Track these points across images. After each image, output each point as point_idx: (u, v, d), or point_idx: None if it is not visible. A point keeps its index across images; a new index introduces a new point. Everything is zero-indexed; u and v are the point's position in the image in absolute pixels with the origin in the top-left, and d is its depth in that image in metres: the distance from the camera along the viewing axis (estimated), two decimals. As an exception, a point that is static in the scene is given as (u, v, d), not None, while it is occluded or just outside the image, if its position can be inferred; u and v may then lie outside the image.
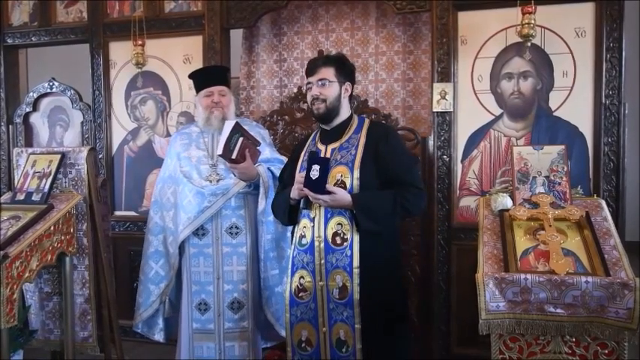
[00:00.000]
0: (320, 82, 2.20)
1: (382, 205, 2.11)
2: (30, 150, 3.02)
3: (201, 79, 2.75)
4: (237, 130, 2.36)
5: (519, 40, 2.88)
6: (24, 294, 2.92)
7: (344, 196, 2.09)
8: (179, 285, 2.73)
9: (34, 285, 2.92)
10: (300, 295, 2.22)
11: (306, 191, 2.10)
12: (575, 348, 1.90)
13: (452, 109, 3.08)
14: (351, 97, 2.32)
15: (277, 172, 2.63)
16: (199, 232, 2.62)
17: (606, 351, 1.88)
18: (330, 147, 2.25)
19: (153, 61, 3.59)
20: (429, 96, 3.17)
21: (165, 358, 3.10)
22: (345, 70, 2.27)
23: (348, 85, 2.26)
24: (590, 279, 1.85)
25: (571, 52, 2.93)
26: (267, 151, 2.66)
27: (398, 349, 2.18)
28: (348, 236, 2.13)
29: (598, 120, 2.89)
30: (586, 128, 2.92)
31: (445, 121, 3.09)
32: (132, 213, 3.74)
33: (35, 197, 2.75)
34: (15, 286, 2.40)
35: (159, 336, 2.78)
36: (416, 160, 2.34)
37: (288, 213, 2.27)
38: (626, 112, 2.88)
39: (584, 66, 2.91)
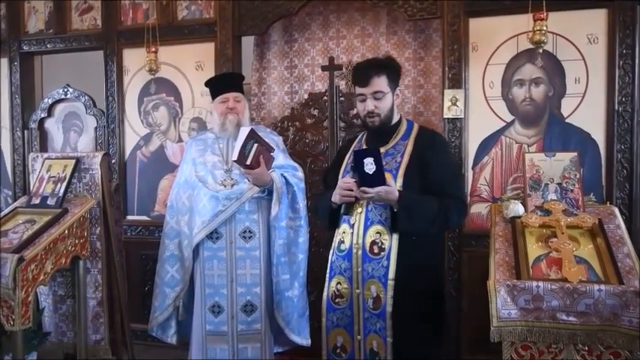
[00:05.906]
0: (375, 96, 2.13)
1: (426, 208, 2.06)
2: (45, 155, 3.07)
3: (217, 86, 2.79)
4: (252, 136, 2.39)
5: (531, 46, 2.87)
6: (38, 297, 2.96)
7: (393, 191, 2.03)
8: (192, 288, 2.75)
9: (48, 288, 2.96)
10: (336, 300, 2.20)
11: (357, 192, 2.03)
12: (588, 356, 1.88)
13: (463, 116, 3.08)
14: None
15: (290, 179, 2.66)
16: (213, 235, 2.64)
17: (619, 360, 1.86)
18: None
19: (165, 67, 3.63)
20: (439, 102, 3.16)
21: (176, 361, 3.12)
22: (395, 74, 2.19)
23: (398, 90, 2.20)
24: (603, 287, 1.84)
25: (583, 59, 2.92)
26: (280, 158, 2.68)
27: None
28: (386, 246, 2.09)
29: (611, 127, 2.87)
30: (599, 135, 2.91)
31: (456, 128, 3.09)
32: (144, 217, 3.77)
33: (50, 201, 2.79)
34: (30, 289, 2.44)
35: (172, 339, 2.80)
36: (460, 171, 2.24)
37: (330, 217, 2.25)
38: (639, 119, 2.86)
39: (596, 72, 2.90)
